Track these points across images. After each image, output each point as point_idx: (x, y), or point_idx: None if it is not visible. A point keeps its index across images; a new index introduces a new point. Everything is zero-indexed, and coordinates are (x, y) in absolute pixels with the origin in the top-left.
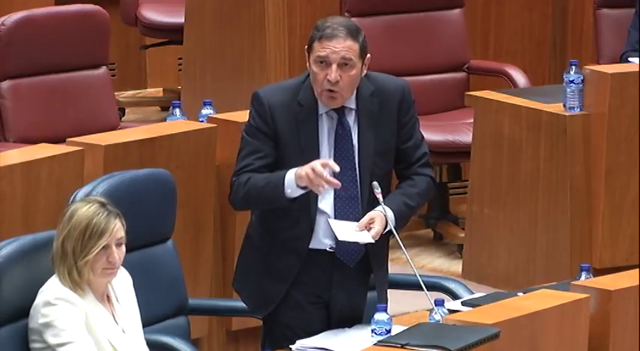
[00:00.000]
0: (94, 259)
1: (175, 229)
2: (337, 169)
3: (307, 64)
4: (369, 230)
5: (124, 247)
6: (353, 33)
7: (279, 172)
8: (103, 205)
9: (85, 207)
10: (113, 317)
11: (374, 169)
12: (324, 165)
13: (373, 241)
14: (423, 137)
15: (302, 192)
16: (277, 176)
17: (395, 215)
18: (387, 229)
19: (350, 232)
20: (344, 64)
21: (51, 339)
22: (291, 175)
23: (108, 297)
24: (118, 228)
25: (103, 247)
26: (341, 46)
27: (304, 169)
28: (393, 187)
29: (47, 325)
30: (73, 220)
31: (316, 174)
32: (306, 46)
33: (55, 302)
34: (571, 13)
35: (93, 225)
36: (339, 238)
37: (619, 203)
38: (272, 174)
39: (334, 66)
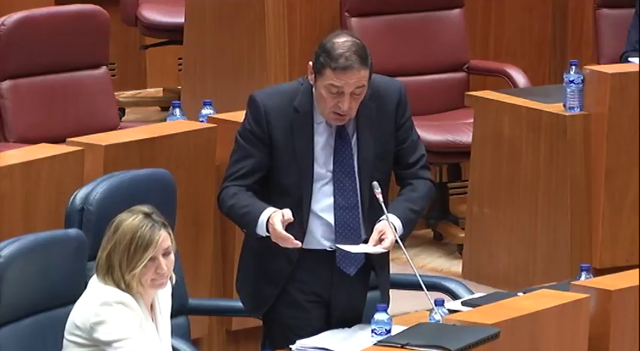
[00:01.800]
0: (142, 272)
1: (175, 229)
2: (291, 219)
3: (309, 77)
4: (381, 242)
5: (172, 256)
6: (364, 59)
7: (259, 205)
8: (147, 215)
9: (129, 219)
10: (155, 327)
11: (374, 174)
12: (287, 221)
13: (389, 250)
14: (419, 137)
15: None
16: (254, 212)
17: (402, 222)
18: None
19: (361, 247)
20: (356, 91)
21: (104, 336)
22: (263, 218)
23: (152, 306)
24: (163, 238)
25: (150, 258)
26: (355, 78)
27: (270, 228)
28: (391, 191)
29: (99, 323)
30: (119, 232)
31: (278, 238)
32: (312, 64)
33: (114, 304)
34: (571, 13)
35: (137, 238)
36: (353, 251)
37: (619, 203)
38: (253, 204)
39: (347, 96)
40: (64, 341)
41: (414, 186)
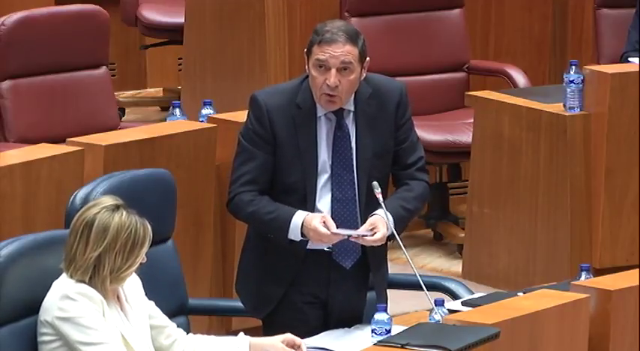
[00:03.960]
0: (137, 267)
1: (175, 229)
2: (334, 227)
3: (306, 67)
4: (372, 235)
5: None
6: (352, 37)
7: (286, 209)
8: (125, 207)
9: (115, 217)
10: (124, 315)
11: (372, 172)
12: (325, 222)
13: (379, 244)
14: (418, 139)
15: (304, 238)
16: (284, 217)
17: (393, 219)
18: (389, 233)
19: (352, 232)
20: (343, 68)
21: (77, 336)
22: (297, 222)
23: (118, 296)
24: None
25: None
26: (340, 51)
27: (309, 231)
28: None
29: (68, 320)
30: (111, 232)
31: (321, 236)
32: (305, 50)
33: (75, 297)
34: (571, 13)
35: (134, 235)
36: (343, 233)
37: (619, 203)
38: (279, 210)
39: (333, 70)
40: (38, 347)
41: (409, 186)
